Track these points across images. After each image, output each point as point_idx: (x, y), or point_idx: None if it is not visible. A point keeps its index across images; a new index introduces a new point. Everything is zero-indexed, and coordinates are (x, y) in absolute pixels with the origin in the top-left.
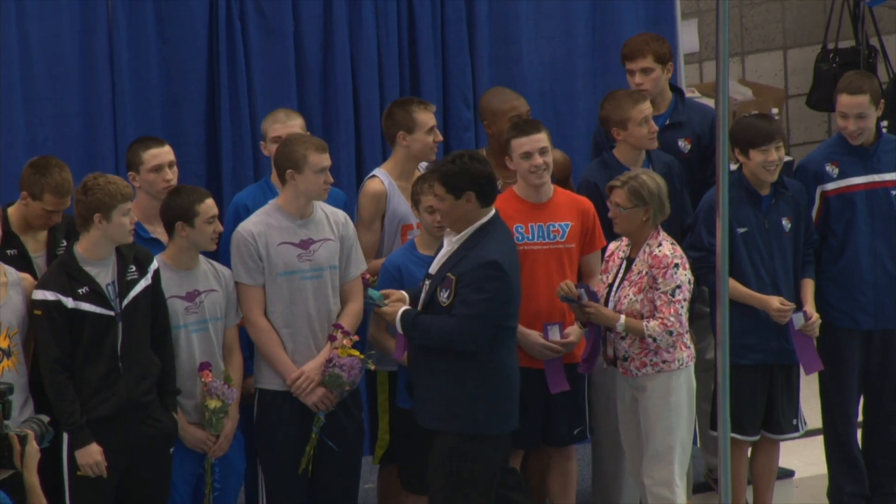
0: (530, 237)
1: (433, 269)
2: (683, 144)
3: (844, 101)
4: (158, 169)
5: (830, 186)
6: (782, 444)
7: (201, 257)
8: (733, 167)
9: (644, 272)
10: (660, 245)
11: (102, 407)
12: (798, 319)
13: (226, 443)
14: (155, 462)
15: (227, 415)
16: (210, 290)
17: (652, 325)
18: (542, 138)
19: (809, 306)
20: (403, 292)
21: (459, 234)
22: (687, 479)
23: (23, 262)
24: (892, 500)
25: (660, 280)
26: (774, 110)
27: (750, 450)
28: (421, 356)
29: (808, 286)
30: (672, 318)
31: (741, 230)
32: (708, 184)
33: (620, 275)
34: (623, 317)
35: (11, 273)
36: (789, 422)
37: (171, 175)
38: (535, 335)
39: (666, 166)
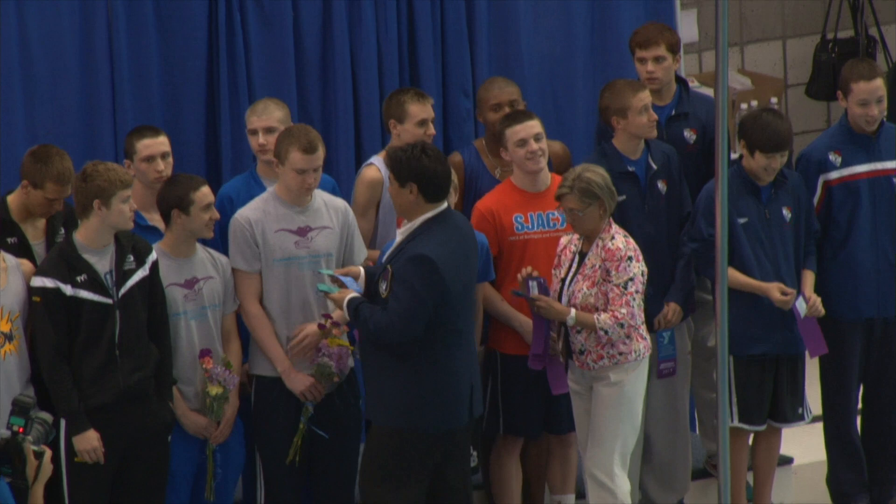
0: (529, 226)
1: (383, 258)
2: (689, 135)
3: (863, 87)
4: (150, 159)
5: (833, 175)
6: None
7: (199, 245)
8: (734, 156)
9: (597, 266)
10: (612, 238)
11: (100, 395)
12: (801, 306)
13: (227, 429)
14: (152, 451)
15: (228, 401)
16: (208, 278)
17: (603, 318)
18: (534, 125)
19: (809, 292)
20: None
21: (407, 225)
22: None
23: (23, 250)
24: (891, 487)
25: (613, 273)
26: (774, 100)
27: (751, 437)
28: (367, 347)
29: (809, 277)
30: (623, 311)
31: (742, 220)
32: (713, 174)
33: (574, 269)
34: (573, 310)
35: (10, 258)
36: (794, 411)
37: (164, 166)
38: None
39: (665, 156)
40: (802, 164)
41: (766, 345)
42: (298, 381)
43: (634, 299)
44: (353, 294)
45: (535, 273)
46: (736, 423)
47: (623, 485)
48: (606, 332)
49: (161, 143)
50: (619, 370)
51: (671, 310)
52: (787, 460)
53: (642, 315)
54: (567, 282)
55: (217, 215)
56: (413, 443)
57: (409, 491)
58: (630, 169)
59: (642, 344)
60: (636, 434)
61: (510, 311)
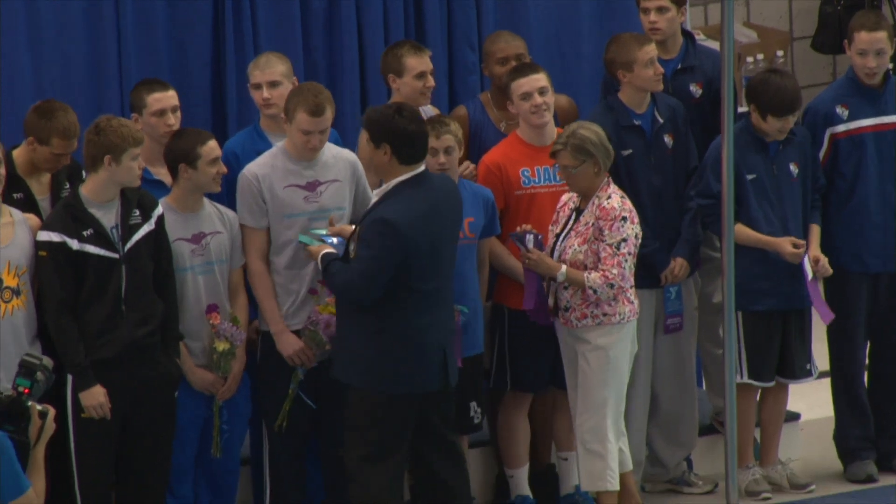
0: (536, 180)
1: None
2: (695, 89)
3: (864, 37)
4: (161, 113)
5: (840, 128)
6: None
7: (206, 200)
8: (741, 110)
9: (591, 223)
10: (609, 197)
11: (105, 349)
12: (808, 268)
13: (234, 384)
14: (159, 406)
15: (235, 357)
16: (215, 233)
17: (593, 277)
18: (540, 78)
19: (815, 249)
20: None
21: (382, 187)
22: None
23: (28, 205)
24: None
25: (606, 232)
26: (779, 53)
27: (758, 393)
28: (340, 307)
29: (815, 231)
30: (614, 271)
31: (750, 177)
32: (719, 128)
33: (569, 225)
34: (564, 267)
35: (16, 213)
36: (802, 367)
37: (174, 120)
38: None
39: (671, 109)
40: (809, 118)
41: (773, 299)
42: (288, 344)
43: (626, 261)
44: (328, 249)
45: (532, 229)
46: (744, 380)
47: (615, 451)
48: (595, 292)
49: (171, 96)
50: (603, 332)
51: (678, 264)
52: (793, 416)
53: (632, 278)
54: (561, 237)
55: (224, 169)
56: (391, 404)
57: (387, 465)
58: (636, 122)
59: (628, 307)
60: (623, 397)
61: (517, 265)
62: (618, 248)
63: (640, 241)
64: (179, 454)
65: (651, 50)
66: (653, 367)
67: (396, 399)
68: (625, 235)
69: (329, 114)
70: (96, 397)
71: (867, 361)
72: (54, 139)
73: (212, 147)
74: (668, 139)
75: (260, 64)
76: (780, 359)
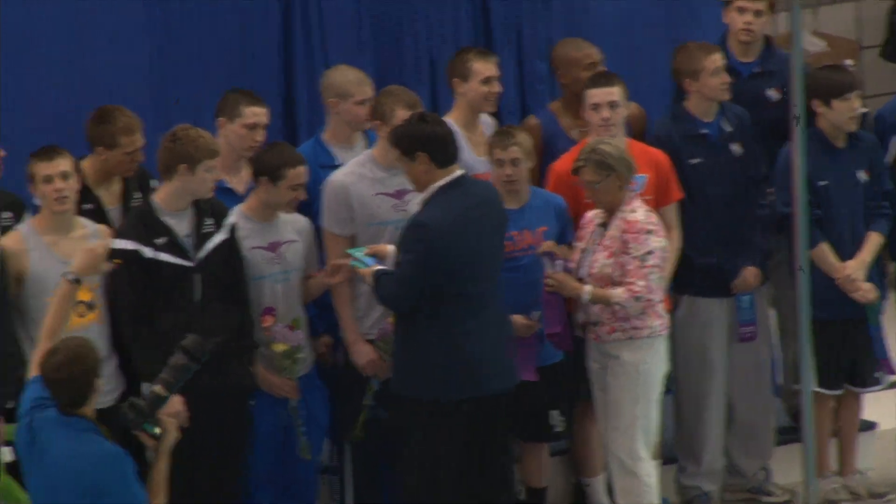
0: None
1: None
2: (772, 94)
3: None
4: (253, 127)
5: None
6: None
7: None
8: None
9: (617, 236)
10: (633, 211)
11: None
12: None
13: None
14: (233, 414)
15: (294, 359)
16: (291, 241)
17: (619, 293)
18: (613, 92)
19: (864, 257)
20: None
21: (422, 195)
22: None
23: (98, 216)
24: None
25: (631, 245)
26: (849, 62)
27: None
28: (397, 318)
29: (872, 240)
30: (641, 283)
31: (821, 183)
32: None
33: (595, 240)
34: (588, 287)
35: (89, 224)
36: (871, 375)
37: (261, 137)
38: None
39: (738, 118)
40: (878, 125)
41: (839, 308)
42: (362, 354)
43: (653, 273)
44: (379, 267)
45: (555, 250)
46: (813, 388)
47: (648, 467)
48: (623, 307)
49: (265, 114)
50: (633, 348)
51: (750, 273)
52: (869, 426)
53: (661, 291)
54: (587, 252)
55: (303, 196)
56: (439, 413)
57: (442, 472)
58: (703, 131)
59: (658, 321)
60: (657, 413)
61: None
62: (644, 261)
63: (665, 253)
64: (257, 462)
65: (718, 59)
66: (729, 376)
67: (450, 406)
68: (650, 248)
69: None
70: (173, 405)
71: None
72: (120, 138)
73: (299, 173)
74: (735, 147)
75: (365, 79)
76: (849, 367)
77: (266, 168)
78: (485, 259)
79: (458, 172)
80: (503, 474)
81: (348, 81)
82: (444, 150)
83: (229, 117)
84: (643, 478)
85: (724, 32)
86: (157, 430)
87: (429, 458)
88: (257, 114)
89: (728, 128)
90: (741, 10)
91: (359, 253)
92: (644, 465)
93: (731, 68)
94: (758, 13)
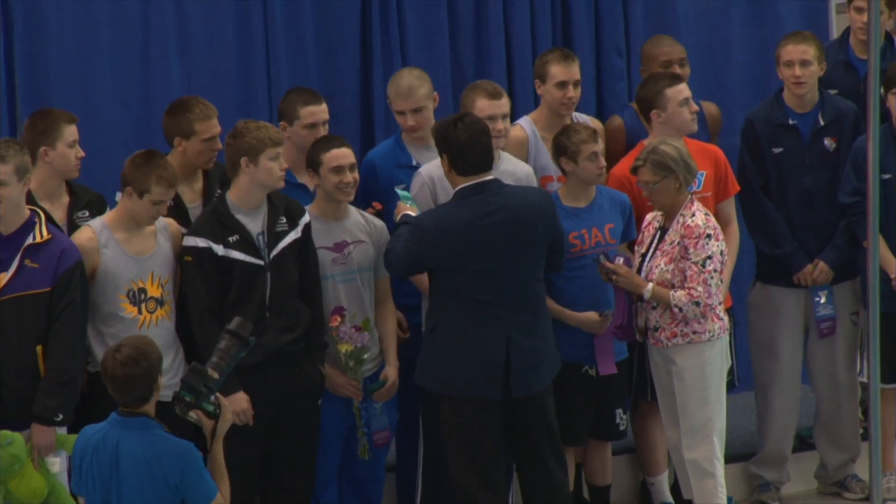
0: None
1: None
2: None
3: None
4: (313, 126)
5: None
6: None
7: (352, 208)
8: None
9: (676, 242)
10: (693, 215)
11: (249, 355)
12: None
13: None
14: (301, 413)
15: (359, 360)
16: (359, 242)
17: (678, 295)
18: (682, 90)
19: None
20: None
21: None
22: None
23: (179, 213)
24: None
25: (691, 250)
26: None
27: None
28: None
29: None
30: (700, 289)
31: (885, 176)
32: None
33: (654, 244)
34: (651, 284)
35: (159, 219)
36: None
37: (324, 132)
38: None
39: (838, 112)
40: None
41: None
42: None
43: (712, 278)
44: (408, 211)
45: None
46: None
47: (721, 468)
48: (681, 310)
49: (324, 110)
50: (695, 351)
51: (820, 268)
52: None
53: (720, 295)
54: (647, 257)
55: (349, 178)
56: (454, 408)
57: (472, 459)
58: (791, 122)
59: (718, 324)
60: (722, 412)
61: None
62: (703, 266)
63: (724, 257)
64: (324, 461)
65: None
66: (811, 370)
67: (466, 402)
68: (710, 253)
69: (506, 99)
70: (240, 403)
71: None
72: (196, 125)
73: (335, 155)
74: (828, 142)
75: (402, 92)
76: None
77: (309, 161)
78: (499, 267)
79: (481, 178)
80: (552, 477)
81: (397, 94)
82: (462, 159)
83: (289, 120)
84: (720, 479)
85: (845, 30)
86: (213, 408)
87: (464, 456)
88: (314, 112)
89: (823, 121)
90: (859, 10)
91: (409, 196)
92: (719, 465)
93: (851, 65)
94: (858, 9)
